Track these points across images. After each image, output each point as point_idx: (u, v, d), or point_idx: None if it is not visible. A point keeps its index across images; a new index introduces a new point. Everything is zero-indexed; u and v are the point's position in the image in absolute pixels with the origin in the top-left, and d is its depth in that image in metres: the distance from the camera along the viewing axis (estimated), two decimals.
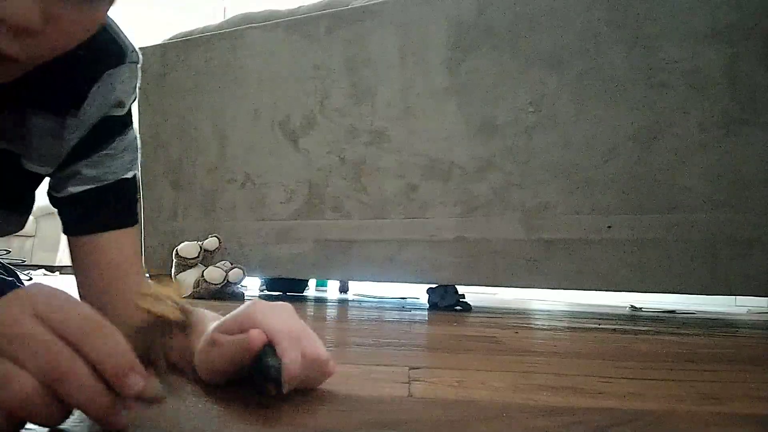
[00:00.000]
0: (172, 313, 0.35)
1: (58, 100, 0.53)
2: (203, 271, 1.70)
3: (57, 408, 0.26)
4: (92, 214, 0.57)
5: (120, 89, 0.56)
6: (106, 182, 0.58)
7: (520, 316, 1.57)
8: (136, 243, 0.61)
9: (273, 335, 0.36)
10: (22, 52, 0.33)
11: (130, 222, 0.60)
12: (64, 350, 0.26)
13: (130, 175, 0.60)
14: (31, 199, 0.60)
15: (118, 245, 0.58)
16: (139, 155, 0.62)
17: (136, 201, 0.61)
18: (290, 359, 0.35)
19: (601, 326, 1.27)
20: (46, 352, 0.26)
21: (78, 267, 0.58)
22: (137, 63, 0.57)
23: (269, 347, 0.35)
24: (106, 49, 0.54)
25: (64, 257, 4.27)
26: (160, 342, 0.35)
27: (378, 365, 0.57)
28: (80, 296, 0.58)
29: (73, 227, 0.58)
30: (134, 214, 0.61)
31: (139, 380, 0.27)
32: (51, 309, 0.27)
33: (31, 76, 0.45)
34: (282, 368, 0.34)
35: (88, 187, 0.57)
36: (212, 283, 1.67)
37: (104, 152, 0.57)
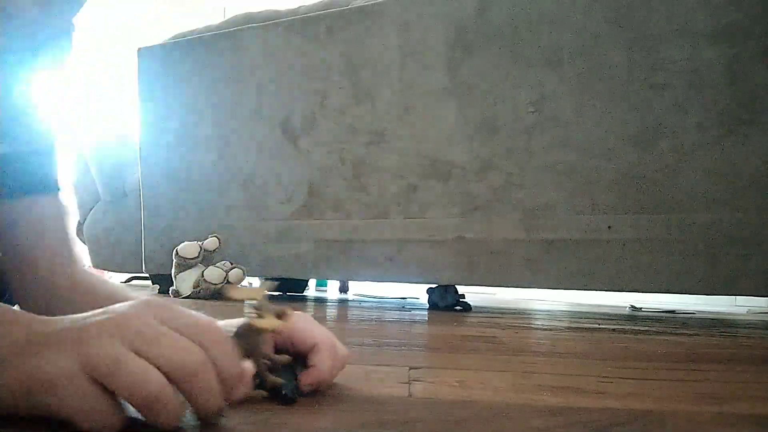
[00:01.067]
0: (274, 324, 0.37)
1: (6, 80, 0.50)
2: (203, 271, 1.70)
3: (177, 407, 0.27)
4: (15, 176, 0.55)
5: (63, 60, 0.54)
6: (29, 148, 0.55)
7: (520, 316, 1.57)
8: (60, 213, 0.59)
9: (317, 343, 0.41)
10: None
11: (50, 187, 0.58)
12: (198, 352, 0.28)
13: (51, 141, 0.58)
14: None
15: (41, 210, 0.56)
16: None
17: (54, 170, 0.59)
18: (328, 366, 0.40)
19: (601, 326, 1.27)
20: (182, 352, 0.27)
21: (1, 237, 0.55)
22: (74, 30, 0.54)
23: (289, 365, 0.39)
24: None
25: None
26: (258, 348, 0.37)
27: (378, 365, 0.57)
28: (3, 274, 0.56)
29: None
30: (53, 182, 0.59)
31: (245, 389, 0.31)
32: (176, 316, 0.29)
33: None
34: (296, 388, 0.37)
35: (12, 149, 0.54)
36: (212, 283, 1.67)
37: (27, 117, 0.55)
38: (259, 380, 0.37)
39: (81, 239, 2.47)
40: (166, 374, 0.27)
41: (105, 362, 0.26)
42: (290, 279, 2.23)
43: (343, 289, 3.16)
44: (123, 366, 0.26)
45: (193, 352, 0.28)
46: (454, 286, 1.73)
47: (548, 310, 1.99)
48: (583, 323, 1.36)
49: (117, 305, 0.30)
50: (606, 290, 1.48)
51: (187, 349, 0.28)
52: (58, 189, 0.59)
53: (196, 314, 0.30)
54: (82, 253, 2.49)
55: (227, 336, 0.30)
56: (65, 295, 0.55)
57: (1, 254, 0.56)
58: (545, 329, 1.17)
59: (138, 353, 0.27)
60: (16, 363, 0.27)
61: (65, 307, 0.52)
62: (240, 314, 0.40)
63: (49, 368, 0.26)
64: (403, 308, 1.75)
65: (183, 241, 1.78)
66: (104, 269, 2.60)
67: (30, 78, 0.52)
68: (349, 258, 1.71)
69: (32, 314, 0.31)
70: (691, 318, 1.79)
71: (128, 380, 0.26)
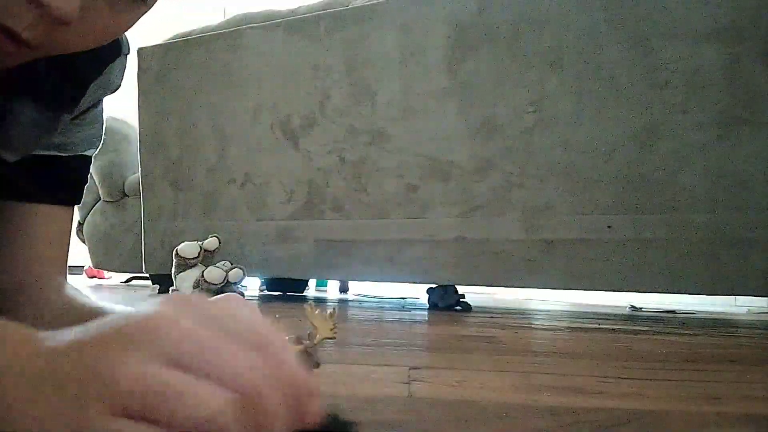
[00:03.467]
0: (330, 333, 0.35)
1: (58, 97, 0.51)
2: (203, 271, 1.70)
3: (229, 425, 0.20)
4: (37, 180, 0.54)
5: (115, 81, 0.56)
6: (65, 153, 0.55)
7: (520, 316, 1.57)
8: (67, 226, 0.58)
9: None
10: (47, 39, 0.33)
11: (69, 200, 0.57)
12: (261, 365, 0.21)
13: (89, 152, 0.58)
14: None
15: (49, 222, 0.55)
16: (104, 133, 0.59)
17: (85, 182, 0.59)
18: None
19: (601, 326, 1.27)
20: (241, 365, 0.21)
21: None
22: (128, 53, 0.56)
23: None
24: (109, 45, 0.54)
25: None
26: (314, 361, 0.35)
27: (378, 365, 0.57)
28: None
29: (6, 189, 0.53)
30: (79, 194, 0.58)
31: (318, 412, 0.23)
32: (223, 317, 0.23)
33: (32, 69, 0.44)
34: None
35: (48, 153, 0.54)
36: (212, 283, 1.67)
37: (75, 121, 0.55)
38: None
39: (81, 239, 2.47)
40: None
41: (139, 386, 0.19)
42: (290, 279, 2.23)
43: (343, 289, 3.15)
44: (166, 391, 0.19)
45: (255, 365, 0.21)
46: (454, 286, 1.73)
47: (548, 310, 1.99)
48: (583, 323, 1.36)
49: (136, 312, 0.22)
50: (606, 290, 1.48)
51: (246, 362, 0.21)
52: (75, 202, 0.58)
53: (248, 313, 0.24)
54: (82, 253, 2.49)
55: (289, 344, 0.24)
56: (54, 307, 0.53)
57: None
58: (545, 329, 1.17)
59: (181, 368, 0.20)
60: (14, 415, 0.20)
61: (53, 321, 0.50)
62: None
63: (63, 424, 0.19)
64: (403, 308, 1.75)
65: (183, 241, 1.78)
66: (104, 269, 2.61)
67: (79, 103, 0.53)
68: (349, 258, 1.71)
69: (24, 334, 0.23)
70: (691, 318, 1.79)
71: (175, 408, 0.19)
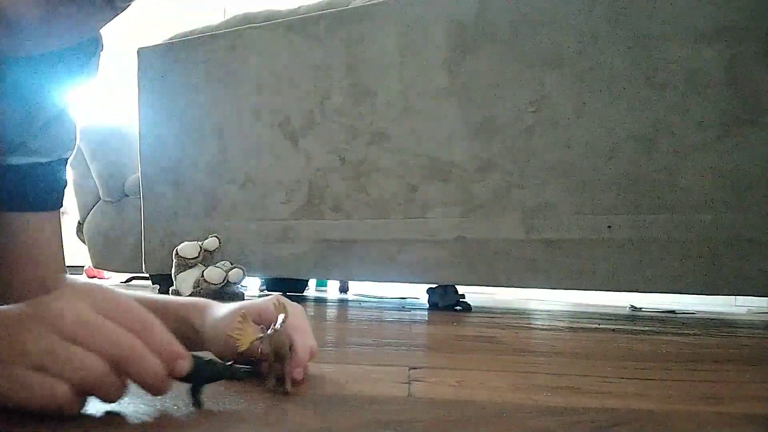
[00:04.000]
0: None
1: (35, 93, 0.51)
2: (203, 271, 1.70)
3: (119, 385, 0.30)
4: (24, 191, 0.55)
5: (92, 74, 0.56)
6: (45, 159, 0.56)
7: (520, 316, 1.57)
8: (58, 228, 0.59)
9: (292, 330, 0.44)
10: (7, 41, 0.34)
11: (55, 205, 0.58)
12: (130, 337, 0.30)
13: (68, 155, 0.59)
14: None
15: (41, 228, 0.57)
16: (77, 135, 0.60)
17: (65, 185, 0.60)
18: (301, 350, 0.43)
19: (601, 326, 1.27)
20: (116, 338, 0.30)
21: None
22: (103, 49, 0.57)
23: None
24: (85, 43, 0.53)
25: None
26: (286, 342, 0.41)
27: (378, 365, 0.57)
28: None
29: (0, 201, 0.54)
30: (61, 198, 0.59)
31: (186, 365, 0.32)
32: (109, 304, 0.31)
33: (11, 66, 0.44)
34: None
35: (29, 160, 0.55)
36: (212, 283, 1.67)
37: (55, 124, 0.56)
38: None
39: (81, 239, 2.47)
40: (103, 357, 0.29)
41: (37, 350, 0.28)
42: (290, 279, 2.23)
43: (343, 289, 3.16)
44: (58, 354, 0.28)
45: (127, 338, 0.30)
46: (454, 286, 1.73)
47: (548, 310, 1.99)
48: (583, 323, 1.36)
49: (48, 296, 0.31)
50: (606, 290, 1.48)
51: (122, 337, 0.30)
52: (60, 205, 0.59)
53: (126, 297, 0.32)
54: (82, 253, 2.48)
55: (154, 318, 0.33)
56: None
57: None
58: (545, 329, 1.17)
59: (74, 342, 0.29)
60: None
61: None
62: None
63: None
64: (403, 308, 1.75)
65: (183, 241, 1.78)
66: (104, 269, 2.61)
67: (49, 89, 0.53)
68: (349, 258, 1.71)
69: None
70: (691, 318, 1.79)
71: (65, 367, 0.28)
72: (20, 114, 0.51)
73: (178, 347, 0.33)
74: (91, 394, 0.30)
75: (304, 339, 0.45)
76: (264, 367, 0.44)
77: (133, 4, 0.39)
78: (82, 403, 0.30)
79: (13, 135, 0.53)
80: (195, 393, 0.35)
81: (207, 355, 0.39)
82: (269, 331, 0.40)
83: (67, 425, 0.29)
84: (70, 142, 0.59)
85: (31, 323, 0.29)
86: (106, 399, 0.30)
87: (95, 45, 0.55)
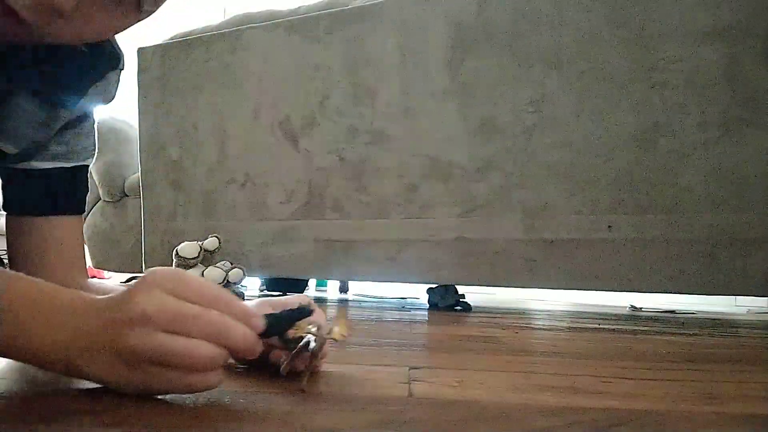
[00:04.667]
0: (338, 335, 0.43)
1: (58, 93, 0.54)
2: (203, 271, 1.70)
3: (225, 356, 0.34)
4: (50, 195, 0.58)
5: (112, 91, 0.60)
6: (68, 164, 0.59)
7: (520, 316, 1.57)
8: (81, 232, 0.62)
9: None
10: (44, 25, 0.36)
11: (79, 210, 0.61)
12: (217, 314, 0.34)
13: (88, 162, 0.62)
14: None
15: (65, 231, 0.59)
16: (97, 142, 0.63)
17: (87, 191, 0.63)
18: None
19: (601, 326, 1.27)
20: (209, 319, 0.33)
21: (17, 247, 0.58)
22: (124, 69, 0.61)
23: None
24: (108, 52, 0.56)
25: None
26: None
27: (378, 365, 0.57)
28: None
29: (24, 205, 0.58)
30: (84, 203, 0.62)
31: (259, 320, 0.36)
32: (180, 287, 0.34)
33: (32, 64, 0.46)
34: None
35: (52, 165, 0.58)
36: None
37: (75, 130, 0.59)
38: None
39: None
40: (206, 339, 0.33)
41: (152, 351, 0.32)
42: (290, 279, 2.23)
43: (343, 289, 3.15)
44: (170, 349, 0.32)
45: (215, 315, 0.34)
46: (454, 286, 1.73)
47: (548, 310, 1.99)
48: (583, 323, 1.36)
49: (125, 291, 0.34)
50: (606, 290, 1.48)
51: (212, 316, 0.33)
52: (83, 210, 0.62)
53: (192, 276, 0.36)
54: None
55: (221, 288, 0.37)
56: None
57: (16, 267, 0.58)
58: (545, 329, 1.17)
59: (173, 332, 0.32)
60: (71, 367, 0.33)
61: None
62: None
63: (118, 376, 0.33)
64: (403, 308, 1.75)
65: (183, 241, 1.78)
66: (104, 269, 2.61)
67: (70, 94, 0.56)
68: (349, 258, 1.71)
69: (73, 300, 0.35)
70: (691, 318, 1.79)
71: (181, 358, 0.32)
72: (42, 117, 0.53)
73: (248, 308, 0.36)
74: (208, 375, 0.34)
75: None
76: (273, 357, 0.45)
77: (158, 9, 0.41)
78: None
79: (36, 137, 0.55)
80: (282, 340, 0.40)
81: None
82: (313, 329, 0.42)
83: (66, 426, 0.29)
84: (91, 149, 0.62)
85: (132, 325, 0.32)
86: (215, 379, 0.34)
87: (117, 60, 0.58)
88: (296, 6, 1.83)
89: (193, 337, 0.33)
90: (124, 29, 0.42)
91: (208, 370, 0.34)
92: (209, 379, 0.34)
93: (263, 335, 0.37)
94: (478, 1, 1.55)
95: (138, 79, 2.01)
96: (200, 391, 0.35)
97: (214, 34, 1.92)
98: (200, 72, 1.92)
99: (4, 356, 0.34)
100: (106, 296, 0.35)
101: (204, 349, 0.33)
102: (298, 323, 0.42)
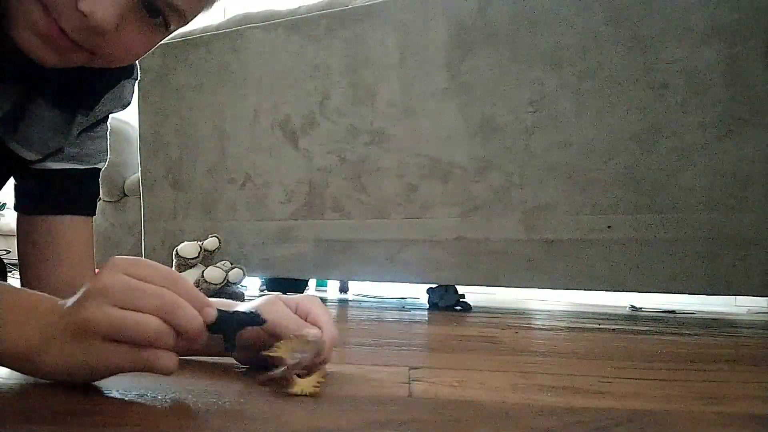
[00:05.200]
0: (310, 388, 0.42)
1: (75, 100, 0.56)
2: (203, 271, 1.70)
3: (173, 335, 0.35)
4: (62, 194, 0.59)
5: (127, 97, 0.61)
6: (81, 165, 0.60)
7: (520, 316, 1.57)
8: (91, 233, 0.63)
9: (321, 322, 0.47)
10: (88, 44, 0.40)
11: (90, 211, 0.62)
12: (169, 293, 0.35)
13: (101, 165, 0.63)
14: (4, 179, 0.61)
15: (76, 231, 0.60)
16: (109, 147, 0.64)
17: (98, 194, 0.64)
18: (330, 336, 0.46)
19: (601, 326, 1.27)
20: (160, 296, 0.35)
21: (28, 246, 0.59)
22: (138, 79, 0.63)
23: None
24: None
25: None
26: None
27: (378, 365, 0.57)
28: (22, 274, 0.60)
29: (37, 204, 0.59)
30: (95, 205, 0.63)
31: (213, 311, 0.37)
32: (139, 269, 0.36)
33: (49, 72, 0.47)
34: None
35: (66, 166, 0.59)
36: (212, 283, 1.67)
37: (89, 134, 0.60)
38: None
39: None
40: (155, 314, 0.34)
41: (102, 323, 0.33)
42: (290, 279, 2.23)
43: (343, 289, 3.15)
44: (119, 320, 0.33)
45: (168, 294, 0.35)
46: (454, 286, 1.73)
47: (548, 310, 1.99)
48: (583, 323, 1.36)
49: (93, 277, 0.36)
50: (606, 290, 1.48)
51: (165, 293, 0.35)
52: (94, 213, 0.63)
53: (153, 263, 0.37)
54: None
55: (180, 275, 0.38)
56: None
57: (26, 265, 0.60)
58: (545, 329, 1.17)
59: (124, 307, 0.34)
60: (47, 354, 0.35)
61: None
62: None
63: (70, 356, 0.34)
64: (403, 308, 1.75)
65: (183, 241, 1.78)
66: None
67: (86, 99, 0.57)
68: (349, 258, 1.71)
69: (40, 300, 0.38)
70: (691, 318, 1.79)
71: (129, 330, 0.33)
72: (61, 124, 0.55)
73: (205, 298, 0.38)
74: (157, 348, 0.35)
75: (329, 329, 0.46)
76: (271, 356, 0.44)
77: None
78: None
79: (55, 144, 0.57)
80: (226, 339, 0.39)
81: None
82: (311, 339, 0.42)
83: (66, 426, 0.29)
84: (104, 153, 0.64)
85: (86, 300, 0.35)
86: (169, 349, 0.35)
87: (131, 70, 0.59)
88: (296, 6, 1.83)
89: (143, 308, 0.34)
90: (152, 48, 0.45)
91: (158, 347, 0.34)
92: (160, 358, 0.34)
93: (210, 328, 0.37)
94: (478, 1, 1.55)
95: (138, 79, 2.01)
96: (154, 372, 0.35)
97: (214, 34, 1.92)
98: (200, 72, 1.92)
99: None
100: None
101: (152, 321, 0.34)
102: (279, 343, 0.42)
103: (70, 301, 0.36)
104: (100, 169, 0.63)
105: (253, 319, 0.41)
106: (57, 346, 0.35)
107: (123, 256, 0.38)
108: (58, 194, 0.59)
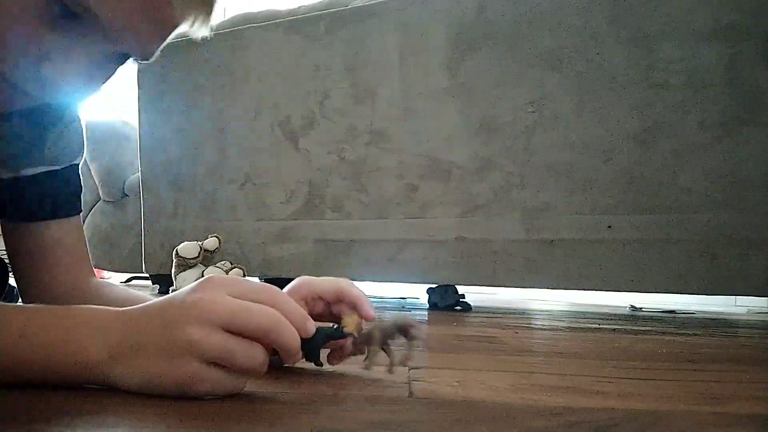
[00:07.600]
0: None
1: (46, 112, 0.53)
2: (203, 271, 1.70)
3: (267, 357, 0.35)
4: (43, 200, 0.57)
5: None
6: (57, 166, 0.57)
7: (520, 316, 1.57)
8: (81, 232, 0.61)
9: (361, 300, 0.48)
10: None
11: (75, 210, 0.60)
12: (273, 311, 0.35)
13: (78, 161, 0.60)
14: None
15: (65, 234, 0.58)
16: (85, 141, 0.62)
17: (81, 190, 0.62)
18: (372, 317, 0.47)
19: (601, 326, 1.27)
20: (266, 316, 0.34)
21: (19, 255, 0.57)
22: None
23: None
24: None
25: None
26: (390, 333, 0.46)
27: (378, 365, 0.57)
28: (18, 283, 0.58)
29: (19, 212, 0.56)
30: (79, 202, 0.61)
31: (312, 326, 0.38)
32: (242, 288, 0.35)
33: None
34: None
35: (42, 169, 0.56)
36: None
37: (62, 135, 0.57)
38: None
39: None
40: (257, 338, 0.34)
41: (212, 349, 0.33)
42: (290, 279, 2.23)
43: None
44: (229, 351, 0.33)
45: (270, 313, 0.35)
46: (454, 286, 1.73)
47: (548, 310, 1.99)
48: (583, 323, 1.36)
49: (185, 292, 0.35)
50: (606, 290, 1.48)
51: (266, 313, 0.34)
52: (79, 210, 0.61)
53: (254, 282, 0.37)
54: None
55: (279, 290, 0.38)
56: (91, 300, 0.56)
57: (20, 274, 0.58)
58: (545, 329, 1.17)
59: (231, 330, 0.33)
60: (130, 365, 0.34)
61: None
62: None
63: (174, 371, 0.33)
64: (403, 308, 1.75)
65: (183, 241, 1.78)
66: (104, 269, 2.61)
67: (63, 106, 0.55)
68: (349, 258, 1.71)
69: (114, 314, 0.36)
70: (691, 318, 1.79)
71: (238, 361, 0.33)
72: (34, 138, 0.53)
73: (303, 311, 0.38)
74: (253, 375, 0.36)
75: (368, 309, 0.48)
76: (352, 348, 0.47)
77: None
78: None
79: (28, 150, 0.55)
80: (313, 353, 0.41)
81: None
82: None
83: (66, 426, 0.29)
84: (79, 148, 0.61)
85: (188, 321, 0.33)
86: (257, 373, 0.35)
87: None
88: (296, 6, 1.83)
89: (251, 330, 0.34)
90: (105, 82, 0.46)
91: (254, 375, 0.35)
92: (244, 383, 0.36)
93: (305, 345, 0.38)
94: (478, 1, 1.55)
95: (138, 79, 2.01)
96: (230, 393, 0.35)
97: (214, 34, 1.91)
98: (200, 72, 1.92)
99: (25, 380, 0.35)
100: (152, 301, 0.37)
101: (260, 354, 0.34)
102: (345, 320, 0.45)
103: (164, 303, 0.36)
104: (78, 164, 0.61)
105: (338, 333, 0.43)
106: (140, 361, 0.34)
107: (219, 276, 0.37)
108: (38, 201, 0.57)
